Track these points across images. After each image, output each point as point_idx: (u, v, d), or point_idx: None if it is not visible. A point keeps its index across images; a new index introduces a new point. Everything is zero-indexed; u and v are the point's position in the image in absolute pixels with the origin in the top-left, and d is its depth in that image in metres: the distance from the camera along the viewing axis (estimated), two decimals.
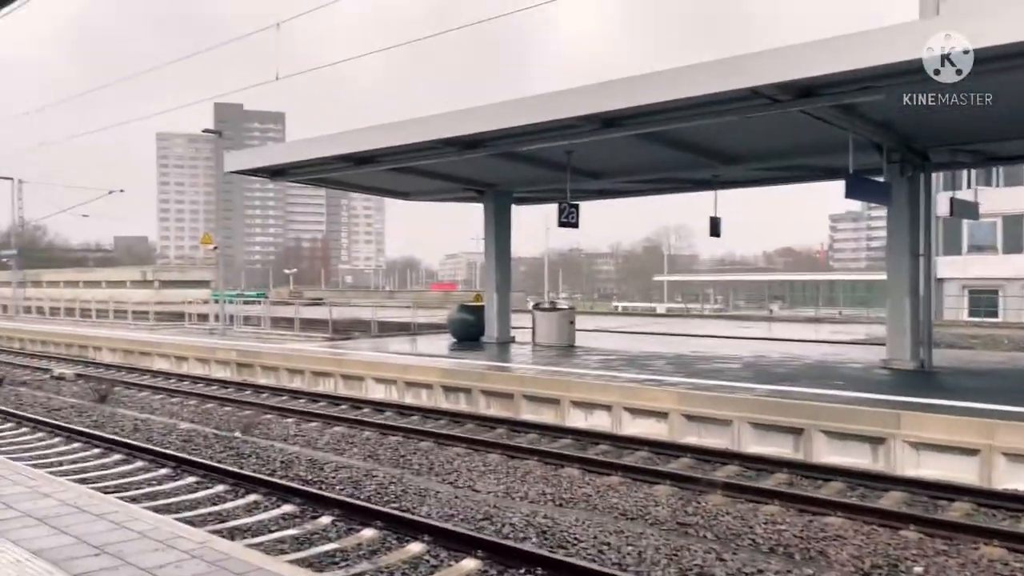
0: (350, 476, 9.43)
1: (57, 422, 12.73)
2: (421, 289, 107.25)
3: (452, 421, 13.35)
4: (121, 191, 48.85)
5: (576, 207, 16.44)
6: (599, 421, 12.50)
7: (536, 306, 21.06)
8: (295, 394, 16.57)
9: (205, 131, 25.26)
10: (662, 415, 11.75)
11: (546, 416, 13.13)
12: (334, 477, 9.40)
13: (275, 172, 19.90)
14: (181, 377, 19.51)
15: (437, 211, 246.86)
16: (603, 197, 22.64)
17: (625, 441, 11.28)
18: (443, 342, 21.62)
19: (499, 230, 20.98)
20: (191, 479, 9.40)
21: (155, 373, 20.27)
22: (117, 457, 10.64)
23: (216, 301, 56.14)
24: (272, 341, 22.39)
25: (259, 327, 26.37)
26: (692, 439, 11.27)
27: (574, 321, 19.86)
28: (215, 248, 28.36)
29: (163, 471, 9.84)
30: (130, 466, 10.16)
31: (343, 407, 15.03)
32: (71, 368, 20.63)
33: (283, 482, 8.82)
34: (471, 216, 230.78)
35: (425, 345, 20.95)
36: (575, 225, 16.40)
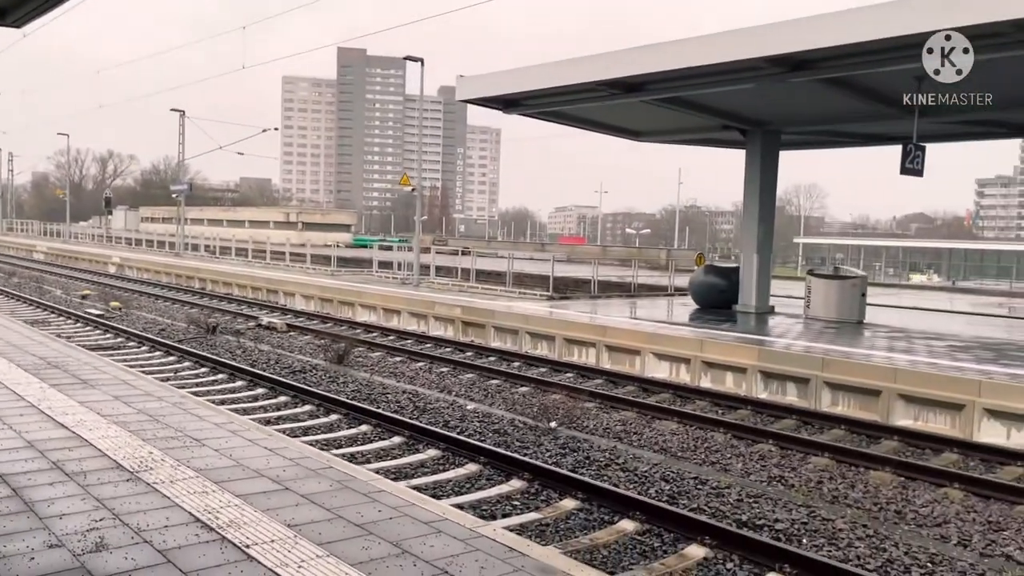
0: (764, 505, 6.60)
1: (322, 392, 10.46)
2: (546, 243, 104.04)
3: (802, 422, 10.37)
4: (276, 129, 47.85)
5: (923, 150, 12.94)
6: None
7: (812, 272, 17.68)
8: (554, 365, 13.95)
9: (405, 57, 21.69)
10: None
11: (940, 425, 9.96)
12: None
13: (509, 102, 17.15)
14: (402, 334, 17.25)
15: (549, 162, 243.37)
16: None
17: None
18: (682, 308, 18.64)
19: (765, 178, 17.62)
20: (572, 503, 6.77)
21: (369, 328, 18.12)
22: (434, 453, 8.16)
23: (364, 246, 55.03)
24: (484, 296, 19.92)
25: (453, 278, 24.01)
26: None
27: (865, 293, 16.43)
28: (413, 190, 26.11)
29: (518, 483, 7.26)
30: (461, 470, 7.64)
31: (630, 388, 12.29)
32: (278, 317, 18.71)
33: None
34: (584, 169, 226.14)
35: (664, 311, 18.02)
36: (920, 172, 12.93)
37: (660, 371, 13.30)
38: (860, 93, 13.28)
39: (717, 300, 18.29)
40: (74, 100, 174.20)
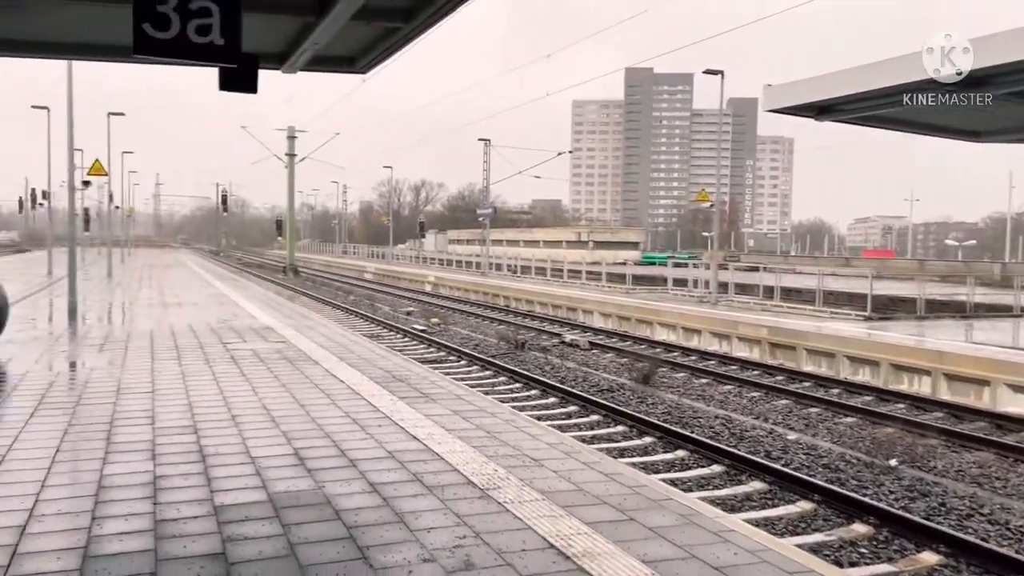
0: None
1: (633, 412, 10.39)
2: (850, 257, 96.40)
3: None
4: (570, 152, 49.53)
5: None
6: None
7: None
8: (879, 394, 12.65)
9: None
10: None
11: None
12: None
13: (823, 109, 15.93)
14: (703, 355, 16.79)
15: (845, 171, 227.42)
16: None
17: None
18: None
19: None
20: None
21: (669, 347, 17.88)
22: (759, 486, 7.65)
23: (653, 263, 54.99)
24: (789, 315, 18.75)
25: (752, 295, 23.02)
26: None
27: None
28: (711, 206, 25.61)
29: (861, 527, 6.56)
30: (793, 507, 7.06)
31: (980, 424, 10.74)
32: (579, 335, 19.16)
33: None
34: (887, 176, 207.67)
35: (1012, 335, 15.62)
36: None
37: (1017, 405, 11.49)
38: None
39: None
40: (395, 136, 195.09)
